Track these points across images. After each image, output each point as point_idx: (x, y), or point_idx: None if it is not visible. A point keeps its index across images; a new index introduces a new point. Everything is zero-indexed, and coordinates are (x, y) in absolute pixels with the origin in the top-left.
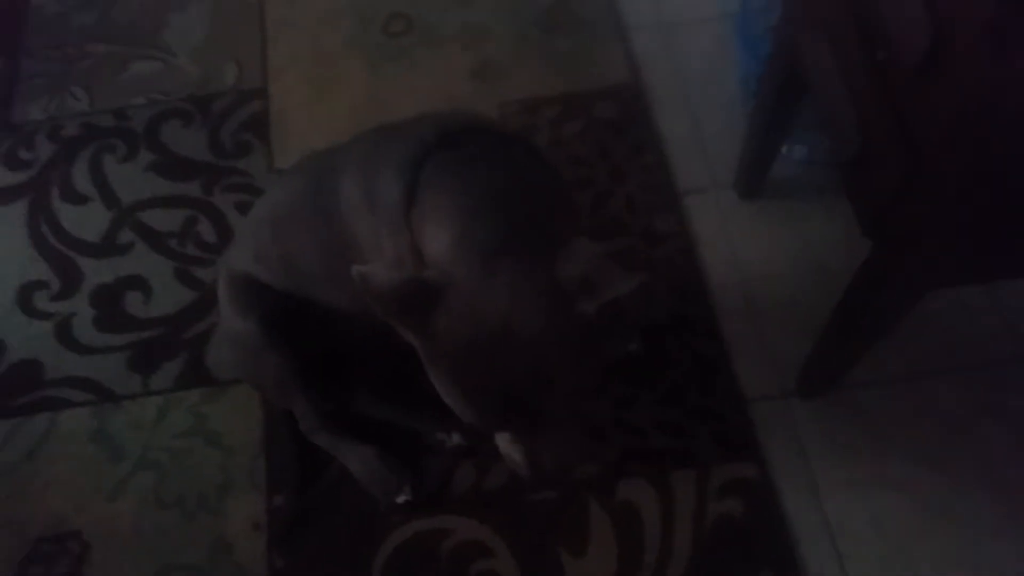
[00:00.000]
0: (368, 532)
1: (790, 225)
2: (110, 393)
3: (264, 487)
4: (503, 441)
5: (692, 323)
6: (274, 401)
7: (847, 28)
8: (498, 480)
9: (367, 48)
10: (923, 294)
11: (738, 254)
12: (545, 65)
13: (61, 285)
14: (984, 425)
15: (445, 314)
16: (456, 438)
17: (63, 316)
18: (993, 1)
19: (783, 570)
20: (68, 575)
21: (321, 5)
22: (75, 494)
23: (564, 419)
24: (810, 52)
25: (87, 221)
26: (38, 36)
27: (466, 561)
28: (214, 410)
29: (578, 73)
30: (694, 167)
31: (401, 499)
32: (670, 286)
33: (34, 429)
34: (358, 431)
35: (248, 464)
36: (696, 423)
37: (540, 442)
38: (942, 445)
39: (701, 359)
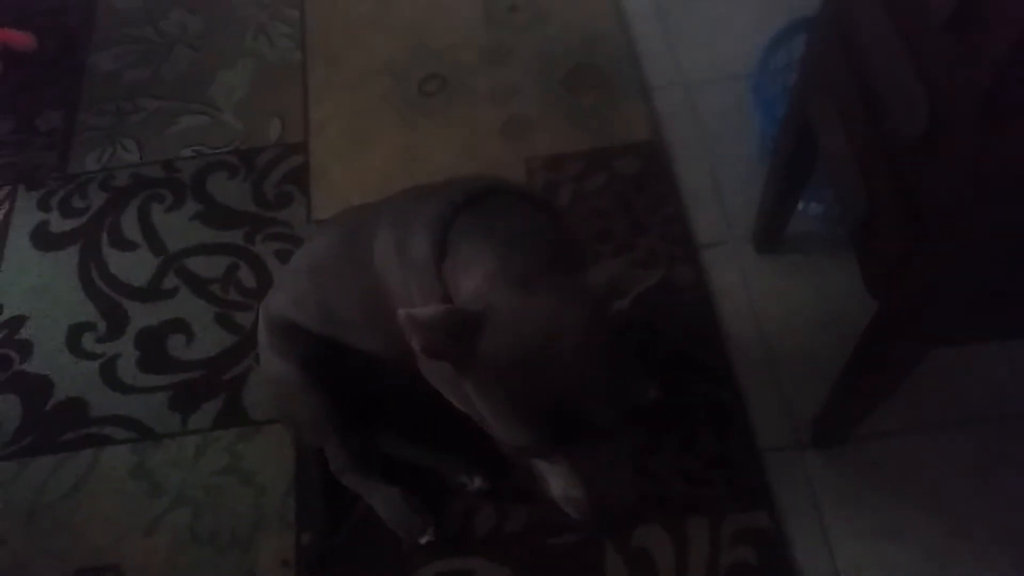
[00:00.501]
0: (392, 572)
1: (807, 279)
2: (151, 431)
3: (293, 525)
4: (557, 481)
5: (709, 373)
6: (308, 441)
7: (854, 97)
8: (518, 523)
9: (402, 105)
10: (928, 352)
11: (755, 306)
12: (570, 122)
13: (108, 327)
14: (998, 476)
15: (489, 337)
16: (478, 481)
17: (109, 357)
18: (987, 76)
19: None
20: None
21: (361, 64)
22: (114, 528)
23: (614, 442)
24: (821, 116)
25: (134, 267)
26: (93, 91)
27: None
28: (248, 449)
29: (601, 130)
30: (713, 221)
31: (424, 539)
32: (688, 334)
33: (78, 465)
34: (384, 473)
35: (279, 502)
36: (711, 471)
37: (595, 470)
38: (954, 496)
39: (717, 408)
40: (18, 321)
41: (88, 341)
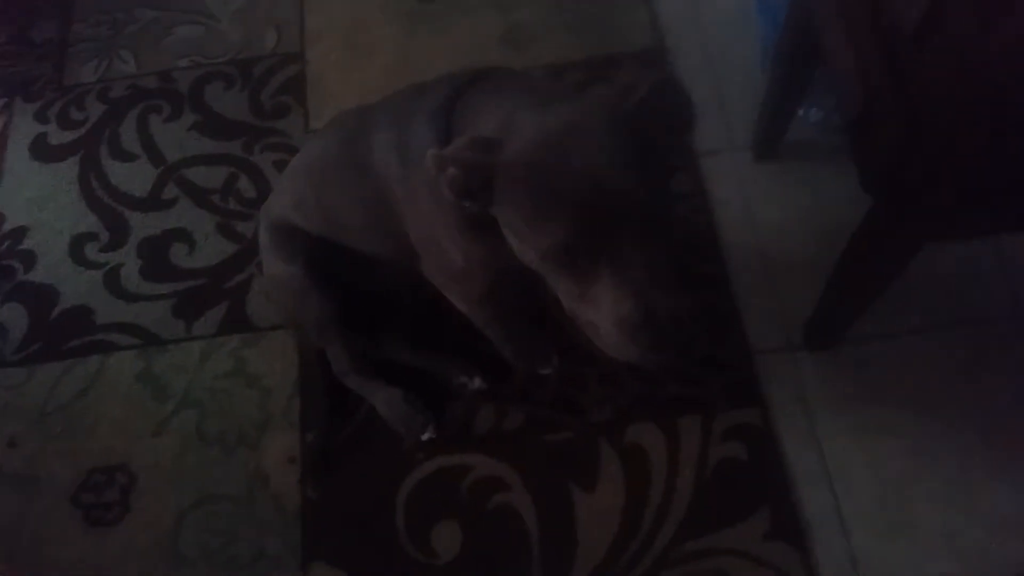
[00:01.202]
0: (393, 468)
1: (805, 186)
2: (156, 337)
3: (298, 425)
4: (603, 302)
5: (706, 278)
6: (312, 342)
7: None
8: (516, 422)
9: (400, 14)
10: (920, 247)
11: (753, 214)
12: (571, 31)
13: (110, 237)
14: (981, 376)
15: (512, 145)
16: (477, 382)
17: (112, 266)
18: None
19: (781, 509)
20: (117, 502)
21: None
22: (123, 430)
23: (657, 241)
24: (822, 13)
25: (134, 177)
26: (87, 2)
27: (485, 494)
28: (253, 354)
29: (603, 37)
30: (713, 128)
31: (425, 437)
32: (685, 242)
33: (86, 370)
34: (386, 375)
35: (284, 404)
36: (704, 372)
37: (644, 279)
38: (942, 396)
39: (713, 313)
40: (20, 232)
41: (91, 250)
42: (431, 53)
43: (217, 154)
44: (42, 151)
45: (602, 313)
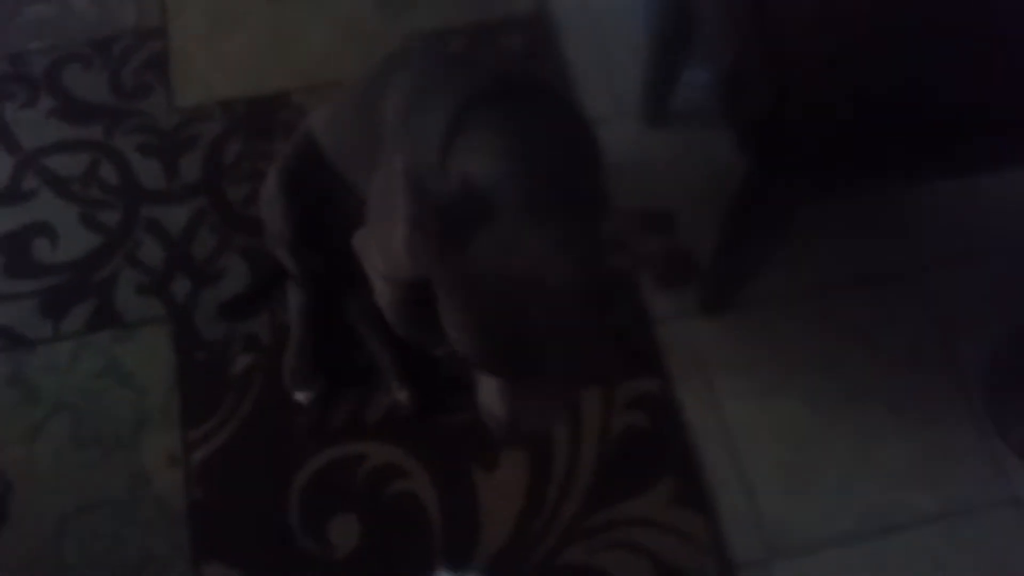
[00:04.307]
0: (285, 460)
1: (694, 151)
2: (22, 338)
3: (177, 422)
4: (486, 391)
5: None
6: (269, 248)
7: None
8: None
9: None
10: (797, 204)
11: (642, 182)
12: None
13: None
14: (879, 335)
15: (486, 241)
16: (404, 395)
17: None
18: None
19: (685, 476)
20: None
21: None
22: None
23: (558, 378)
24: None
25: None
26: None
27: (383, 483)
28: (125, 351)
29: (485, 4)
30: (600, 96)
31: (297, 396)
32: None
33: None
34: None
35: (161, 401)
36: (604, 344)
37: (527, 398)
38: (839, 356)
39: (606, 283)
40: None
41: None
42: (304, 22)
43: (78, 140)
44: None
45: (480, 390)
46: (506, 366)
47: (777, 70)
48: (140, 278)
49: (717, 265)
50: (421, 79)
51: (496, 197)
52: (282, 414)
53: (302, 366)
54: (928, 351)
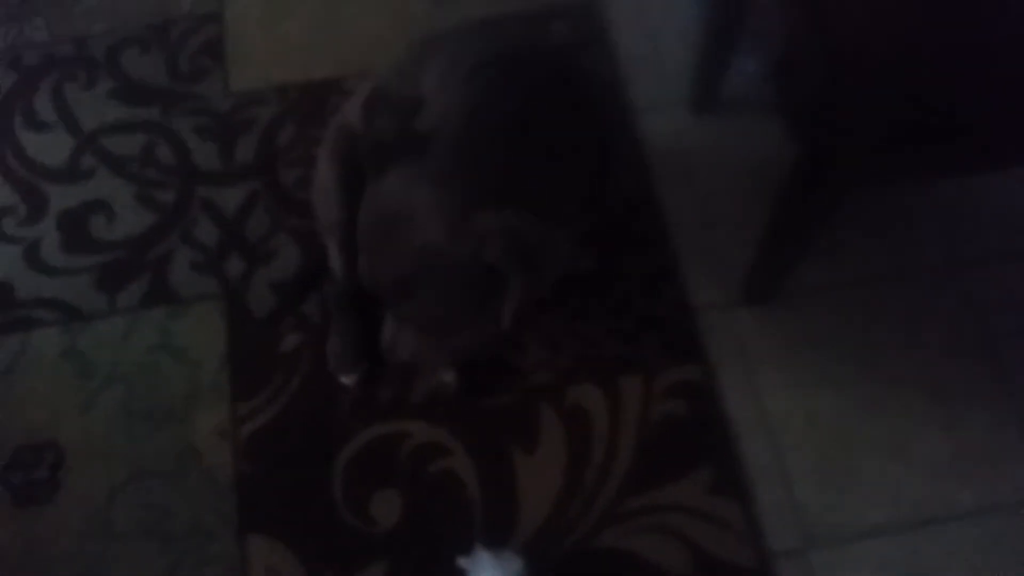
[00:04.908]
0: (330, 437)
1: (743, 140)
2: (78, 312)
3: (228, 397)
4: (387, 330)
5: (643, 236)
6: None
7: None
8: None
9: None
10: (847, 192)
11: (691, 168)
12: None
13: (28, 210)
14: (926, 328)
15: (395, 174)
16: (451, 379)
17: (31, 240)
18: None
19: (723, 464)
20: (46, 480)
21: None
22: (50, 407)
23: (438, 325)
24: None
25: (50, 148)
26: None
27: (425, 460)
28: (178, 326)
29: None
30: (649, 84)
31: (344, 379)
32: (624, 200)
33: (9, 348)
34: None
35: (213, 376)
36: (643, 331)
37: (403, 333)
38: (884, 348)
39: (651, 270)
40: None
41: (9, 225)
42: (358, 9)
43: (135, 121)
44: None
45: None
46: (377, 288)
47: (832, 56)
48: (195, 256)
49: (763, 254)
50: (453, 58)
51: (437, 139)
52: (328, 392)
53: (346, 351)
54: (968, 345)
